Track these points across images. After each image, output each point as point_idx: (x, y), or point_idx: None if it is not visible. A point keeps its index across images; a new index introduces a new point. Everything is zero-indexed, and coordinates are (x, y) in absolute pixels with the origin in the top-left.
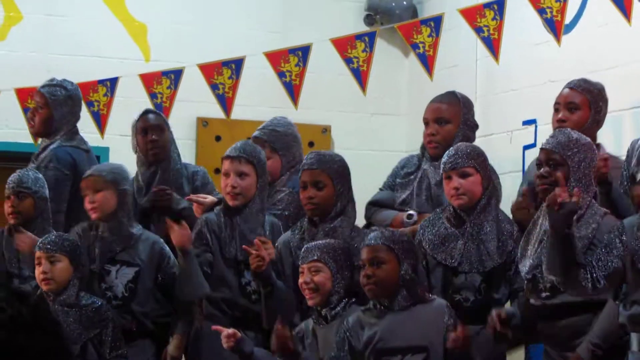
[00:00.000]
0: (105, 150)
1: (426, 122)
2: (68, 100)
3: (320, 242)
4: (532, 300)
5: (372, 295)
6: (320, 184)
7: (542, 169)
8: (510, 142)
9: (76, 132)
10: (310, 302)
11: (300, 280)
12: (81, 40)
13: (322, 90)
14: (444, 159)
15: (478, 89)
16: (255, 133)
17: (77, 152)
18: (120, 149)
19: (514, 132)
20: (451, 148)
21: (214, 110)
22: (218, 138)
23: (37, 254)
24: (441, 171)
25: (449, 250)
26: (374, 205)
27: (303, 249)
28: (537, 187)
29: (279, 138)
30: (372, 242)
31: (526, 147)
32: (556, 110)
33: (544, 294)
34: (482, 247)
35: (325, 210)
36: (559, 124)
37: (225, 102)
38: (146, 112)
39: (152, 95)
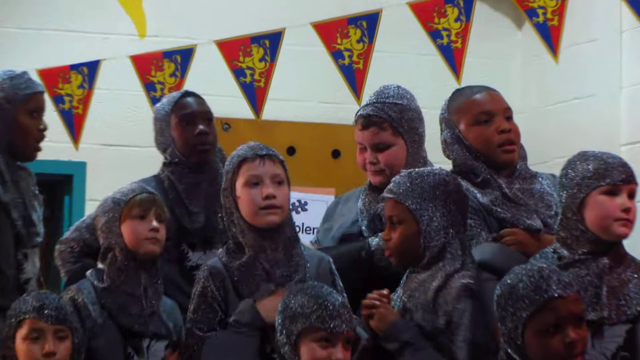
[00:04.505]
0: (80, 166)
1: (492, 114)
2: None
3: None
4: None
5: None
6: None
7: None
8: None
9: None
10: None
11: None
12: (44, 11)
13: (398, 77)
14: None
15: (624, 71)
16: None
17: None
18: (100, 165)
19: None
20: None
21: (239, 108)
22: None
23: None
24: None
25: None
26: None
27: None
28: None
29: (403, 115)
30: None
31: None
32: None
33: None
34: None
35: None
36: None
37: (255, 96)
38: (185, 94)
39: (149, 86)
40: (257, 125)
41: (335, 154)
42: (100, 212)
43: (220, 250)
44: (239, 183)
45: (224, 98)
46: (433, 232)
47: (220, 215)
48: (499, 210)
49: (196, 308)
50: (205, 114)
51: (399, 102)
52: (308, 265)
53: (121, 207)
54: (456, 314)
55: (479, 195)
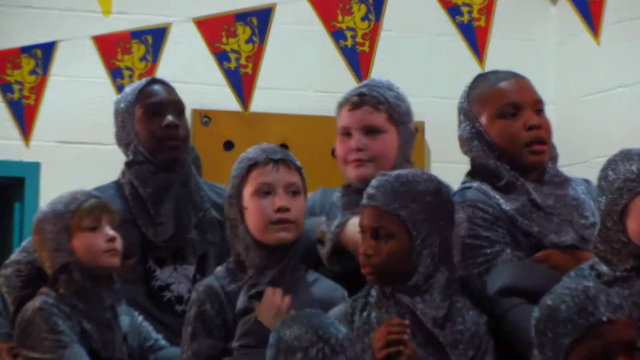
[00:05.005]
0: (33, 167)
1: (520, 107)
2: None
3: None
4: None
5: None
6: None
7: None
8: None
9: None
10: None
11: None
12: None
13: (410, 61)
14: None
15: None
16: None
17: None
18: (57, 166)
19: None
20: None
21: (222, 98)
22: (229, 145)
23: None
24: None
25: None
26: None
27: None
28: None
29: (399, 104)
30: None
31: None
32: None
33: None
34: None
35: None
36: None
37: (241, 84)
38: (152, 81)
39: (115, 73)
40: (243, 118)
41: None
42: (37, 230)
43: (218, 268)
44: (247, 191)
45: (203, 87)
46: (426, 250)
47: (194, 223)
48: (526, 221)
49: (193, 335)
50: (175, 104)
51: (394, 90)
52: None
53: (67, 219)
54: (479, 351)
55: (501, 201)
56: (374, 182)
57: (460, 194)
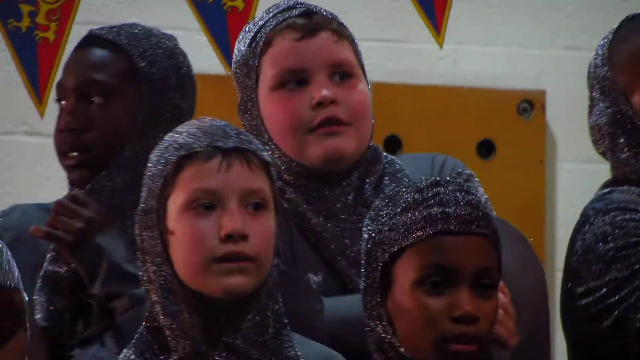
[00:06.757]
0: None
1: None
2: None
3: None
4: None
5: None
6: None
7: None
8: None
9: None
10: None
11: None
12: None
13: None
14: None
15: None
16: None
17: None
18: None
19: None
20: None
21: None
22: None
23: None
24: None
25: None
26: None
27: None
28: None
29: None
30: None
31: None
32: None
33: None
34: None
35: None
36: None
37: (226, 26)
38: (86, 41)
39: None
40: (224, 82)
41: (390, 142)
42: None
43: (123, 352)
44: (175, 203)
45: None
46: None
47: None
48: None
49: None
50: (86, 84)
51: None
52: None
53: None
54: None
55: None
56: (448, 193)
57: (600, 200)
